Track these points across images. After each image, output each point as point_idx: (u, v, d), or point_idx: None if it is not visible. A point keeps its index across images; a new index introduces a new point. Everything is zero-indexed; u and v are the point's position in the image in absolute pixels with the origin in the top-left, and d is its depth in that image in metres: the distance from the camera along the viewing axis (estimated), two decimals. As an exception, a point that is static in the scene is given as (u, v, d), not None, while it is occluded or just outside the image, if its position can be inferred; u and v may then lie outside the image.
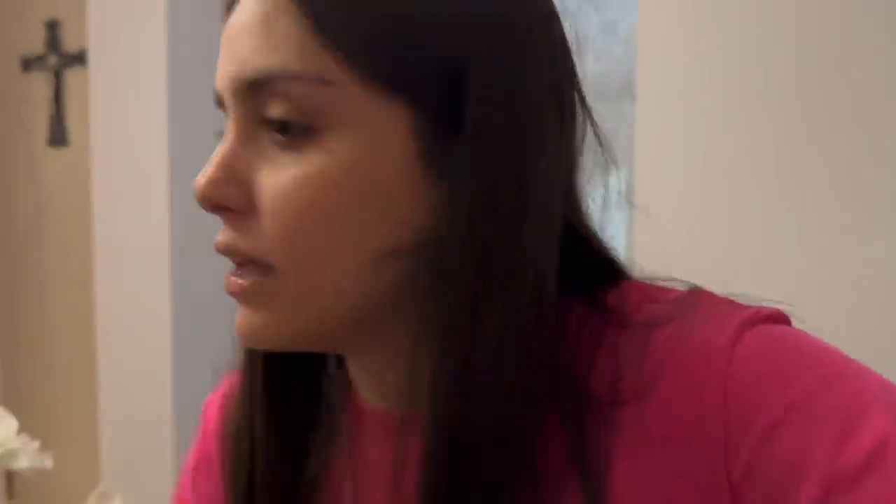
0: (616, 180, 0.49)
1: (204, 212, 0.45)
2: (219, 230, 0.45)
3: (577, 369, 0.44)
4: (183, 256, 2.48)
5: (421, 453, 0.43)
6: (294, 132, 0.42)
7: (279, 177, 0.42)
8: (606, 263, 0.48)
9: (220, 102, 0.46)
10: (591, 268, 0.48)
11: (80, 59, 2.21)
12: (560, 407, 0.43)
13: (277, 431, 0.51)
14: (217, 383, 0.61)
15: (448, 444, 0.42)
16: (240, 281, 0.44)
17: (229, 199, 0.44)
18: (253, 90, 0.43)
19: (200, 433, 0.62)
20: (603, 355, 0.44)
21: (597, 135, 0.47)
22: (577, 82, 0.47)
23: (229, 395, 0.55)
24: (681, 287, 0.46)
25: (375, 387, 0.50)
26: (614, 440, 0.42)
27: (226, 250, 0.45)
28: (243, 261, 0.45)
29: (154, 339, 2.45)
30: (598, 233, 0.48)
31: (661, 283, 0.47)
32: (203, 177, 0.44)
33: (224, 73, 0.44)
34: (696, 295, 0.45)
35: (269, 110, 0.43)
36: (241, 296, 0.45)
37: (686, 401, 0.41)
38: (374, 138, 0.42)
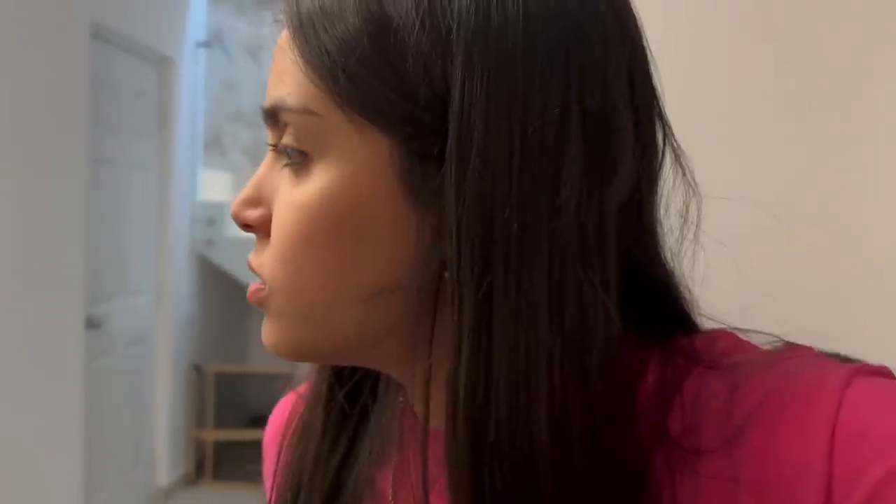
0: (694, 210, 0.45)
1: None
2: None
3: (654, 410, 0.42)
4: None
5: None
6: (294, 159, 0.44)
7: (281, 200, 0.45)
8: (681, 311, 0.47)
9: None
10: (670, 314, 0.46)
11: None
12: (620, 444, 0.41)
13: (333, 436, 0.53)
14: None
15: (468, 466, 0.41)
16: (252, 290, 0.47)
17: (252, 219, 0.47)
18: (272, 118, 0.45)
19: (266, 429, 0.64)
20: (688, 393, 0.42)
21: (678, 161, 0.45)
22: (644, 107, 0.44)
23: (300, 399, 0.58)
24: (774, 340, 0.45)
25: (415, 399, 0.50)
26: (697, 485, 0.40)
27: (248, 265, 0.48)
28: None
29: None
30: (673, 275, 0.47)
31: (752, 335, 0.46)
32: (237, 197, 0.47)
33: None
34: (795, 347, 0.44)
35: (281, 138, 0.45)
36: (255, 304, 0.47)
37: (786, 445, 0.39)
38: (356, 169, 0.43)
